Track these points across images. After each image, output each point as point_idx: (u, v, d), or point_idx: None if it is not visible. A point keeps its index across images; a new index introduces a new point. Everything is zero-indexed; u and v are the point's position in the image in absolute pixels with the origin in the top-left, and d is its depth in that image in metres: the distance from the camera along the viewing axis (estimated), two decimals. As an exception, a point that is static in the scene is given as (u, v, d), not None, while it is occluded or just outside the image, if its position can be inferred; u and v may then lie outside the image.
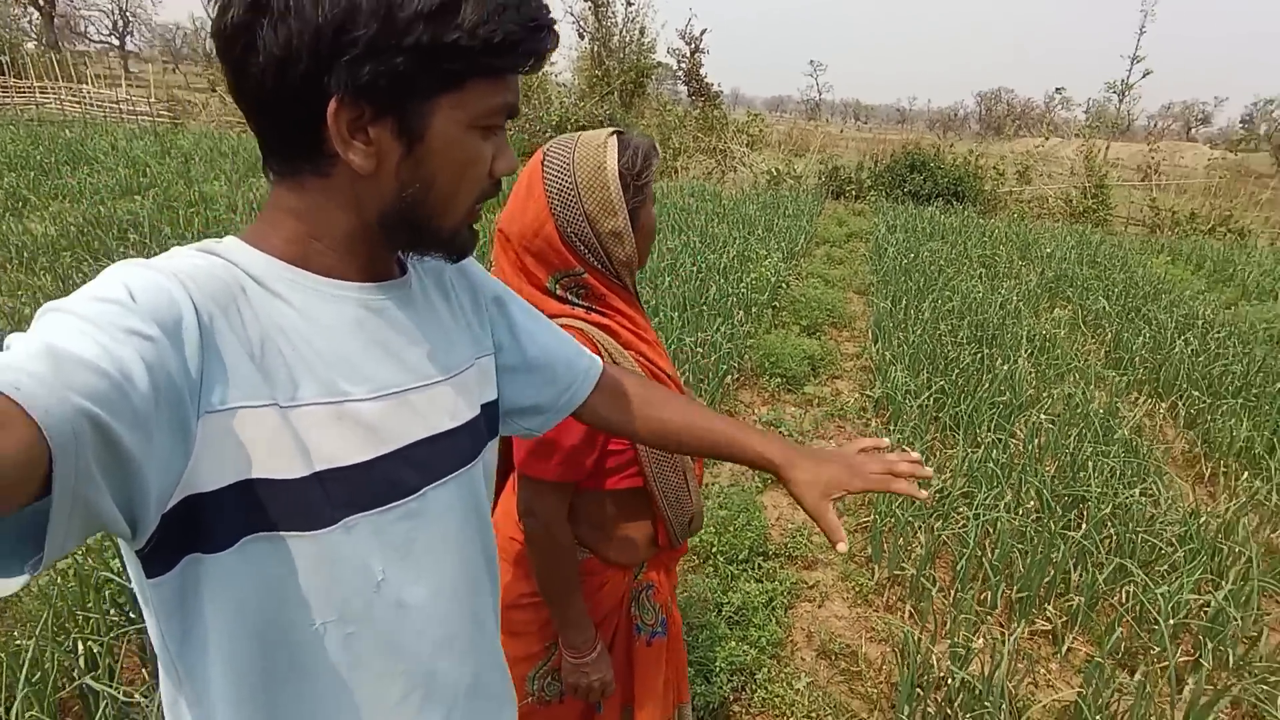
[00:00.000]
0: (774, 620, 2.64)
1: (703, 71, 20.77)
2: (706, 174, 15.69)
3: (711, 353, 4.48)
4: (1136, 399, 4.89)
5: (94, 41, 47.08)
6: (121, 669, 1.93)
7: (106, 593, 2.14)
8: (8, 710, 1.76)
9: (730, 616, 2.62)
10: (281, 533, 0.61)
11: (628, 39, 22.23)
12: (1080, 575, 2.82)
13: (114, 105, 17.73)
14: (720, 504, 3.20)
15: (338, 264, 0.68)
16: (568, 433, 1.13)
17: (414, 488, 0.71)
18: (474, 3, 0.58)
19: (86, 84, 18.71)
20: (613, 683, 1.26)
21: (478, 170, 0.67)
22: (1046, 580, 2.79)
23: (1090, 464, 3.46)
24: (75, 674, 1.90)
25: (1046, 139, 19.22)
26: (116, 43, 48.16)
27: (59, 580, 2.13)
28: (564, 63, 23.84)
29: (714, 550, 2.96)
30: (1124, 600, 2.77)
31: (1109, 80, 41.43)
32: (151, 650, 1.91)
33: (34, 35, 31.14)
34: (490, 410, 0.85)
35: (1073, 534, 2.92)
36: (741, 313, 5.36)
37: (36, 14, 30.07)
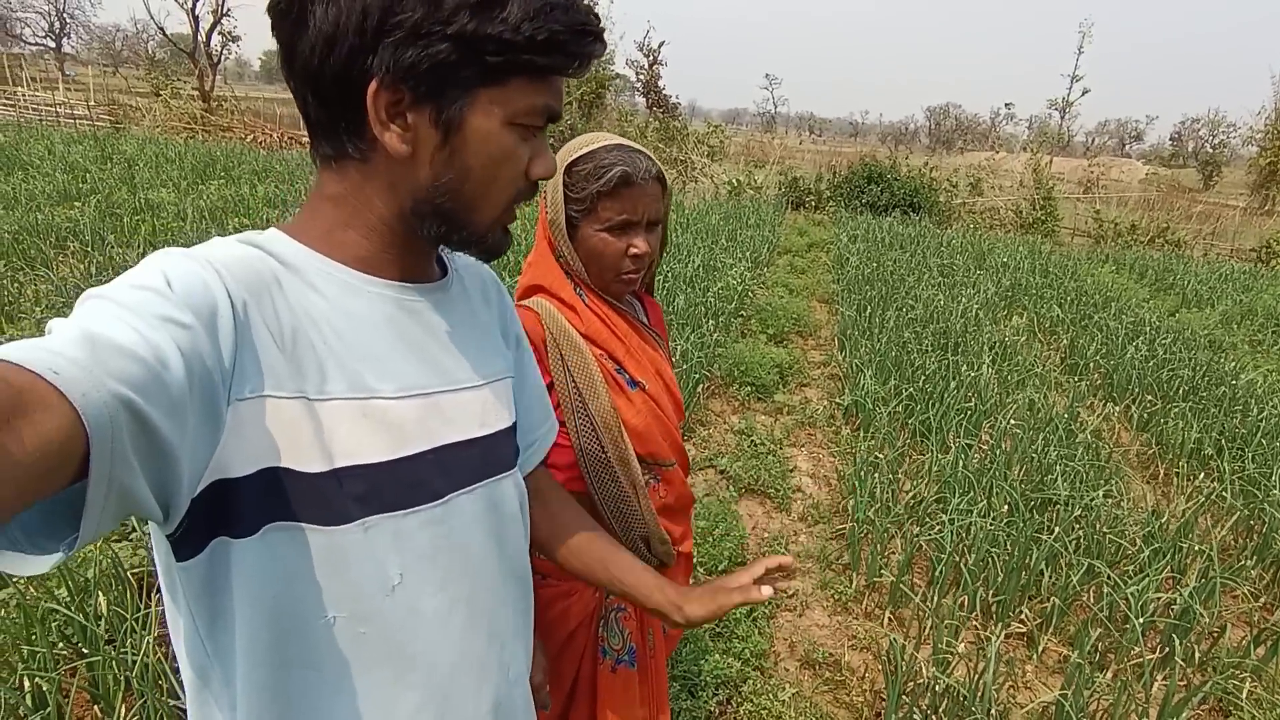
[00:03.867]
0: (756, 631, 2.61)
1: (661, 83, 20.91)
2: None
3: (683, 362, 4.46)
4: (1093, 403, 5.02)
5: (29, 44, 45.23)
6: (72, 706, 1.80)
7: (52, 624, 1.99)
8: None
9: (712, 629, 2.58)
10: (300, 524, 0.61)
11: (586, 50, 22.25)
12: (1052, 577, 2.86)
13: (50, 109, 17.01)
14: (697, 514, 3.17)
15: (373, 257, 0.68)
16: None
17: (438, 493, 0.69)
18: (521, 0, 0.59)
19: (21, 87, 17.91)
20: (544, 689, 1.22)
21: (512, 168, 0.67)
22: (1021, 583, 2.82)
23: (1057, 468, 3.53)
24: (21, 712, 1.77)
25: (996, 152, 19.85)
26: (53, 45, 46.34)
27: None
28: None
29: (694, 561, 2.91)
30: (1094, 600, 2.81)
31: (1050, 98, 43.10)
32: (116, 680, 1.79)
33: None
34: (515, 432, 0.83)
35: (1045, 537, 2.96)
36: (710, 322, 5.36)
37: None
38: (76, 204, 7.87)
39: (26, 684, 1.80)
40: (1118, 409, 4.92)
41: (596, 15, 0.65)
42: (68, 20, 46.61)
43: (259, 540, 0.59)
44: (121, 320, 0.48)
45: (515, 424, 0.83)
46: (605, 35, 0.67)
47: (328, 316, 0.64)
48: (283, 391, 0.59)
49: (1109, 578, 2.77)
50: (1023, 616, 2.76)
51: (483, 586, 0.75)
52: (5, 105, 17.07)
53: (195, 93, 19.71)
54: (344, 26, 0.58)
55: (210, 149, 13.57)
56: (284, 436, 0.59)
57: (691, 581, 2.64)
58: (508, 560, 0.80)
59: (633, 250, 1.19)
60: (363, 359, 0.65)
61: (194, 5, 22.79)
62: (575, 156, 1.19)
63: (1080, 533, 3.08)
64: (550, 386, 1.20)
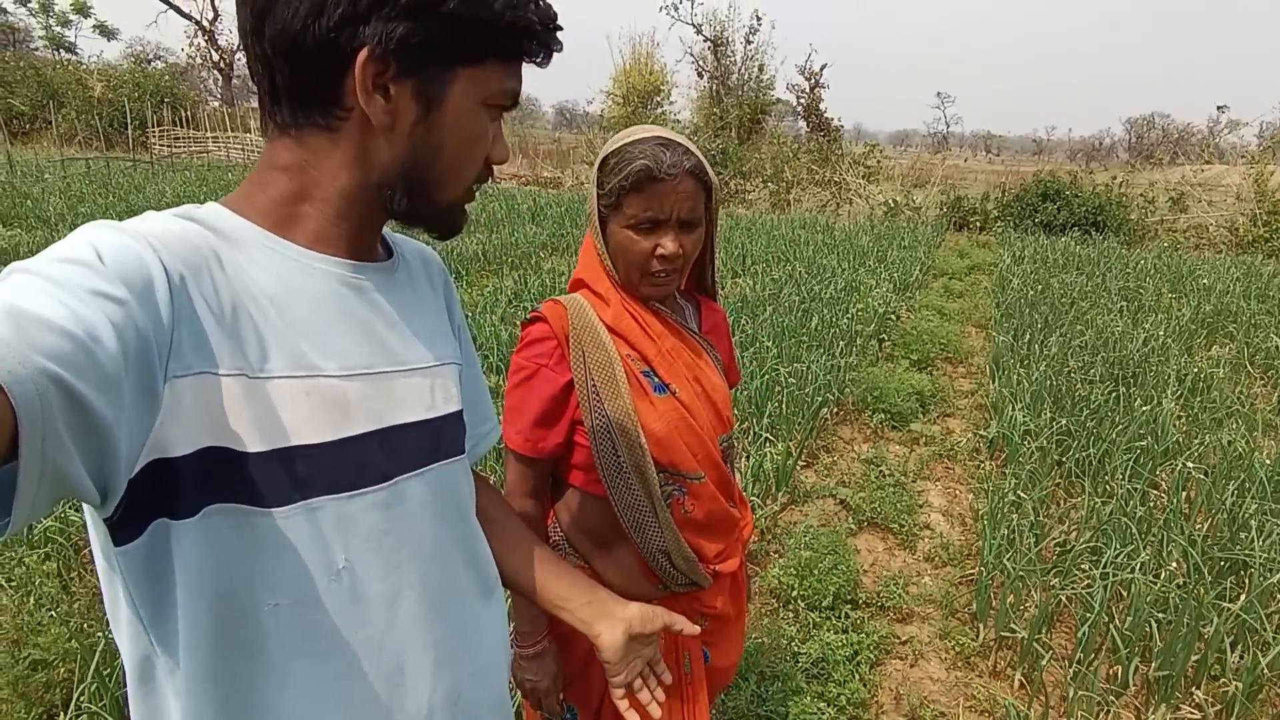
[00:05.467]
0: (857, 677, 2.36)
1: (822, 106, 20.51)
2: (820, 206, 15.33)
3: (807, 384, 4.23)
4: (1318, 451, 4.17)
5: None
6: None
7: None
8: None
9: (807, 669, 2.38)
10: (240, 505, 0.59)
11: (746, 77, 22.36)
12: (1240, 656, 2.36)
13: (272, 151, 19.71)
14: (805, 544, 2.95)
15: (323, 232, 0.67)
16: (527, 406, 1.13)
17: (385, 475, 0.68)
18: None
19: (250, 134, 20.90)
20: (550, 695, 1.18)
21: (481, 148, 0.69)
22: (1196, 659, 2.35)
23: (1254, 523, 2.93)
24: None
25: (1208, 164, 17.44)
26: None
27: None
28: (682, 101, 24.28)
29: (794, 594, 2.71)
30: (1297, 690, 2.28)
31: (1284, 100, 37.16)
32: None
33: (217, 95, 35.33)
34: (462, 418, 0.81)
35: (1229, 605, 2.46)
36: (844, 344, 5.07)
37: (219, 76, 34.12)
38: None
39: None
40: (1352, 460, 4.05)
41: (555, 12, 0.70)
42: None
43: (199, 522, 0.58)
44: (49, 295, 0.46)
45: (462, 411, 0.80)
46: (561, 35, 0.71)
47: (269, 292, 0.62)
48: (222, 368, 0.58)
49: (1318, 663, 2.24)
50: (1196, 700, 2.30)
51: (435, 573, 0.73)
52: (237, 149, 20.03)
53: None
54: None
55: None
56: (224, 414, 0.58)
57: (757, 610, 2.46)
58: (463, 546, 0.78)
59: (660, 250, 1.11)
60: (305, 336, 0.63)
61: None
62: (608, 150, 1.14)
63: (1281, 605, 2.53)
64: (569, 384, 1.15)
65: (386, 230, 0.77)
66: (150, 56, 37.52)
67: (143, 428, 0.53)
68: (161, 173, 15.00)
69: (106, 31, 41.54)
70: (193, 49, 32.35)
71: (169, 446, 0.55)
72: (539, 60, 0.69)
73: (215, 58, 32.63)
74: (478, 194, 0.75)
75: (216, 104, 30.44)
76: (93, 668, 1.93)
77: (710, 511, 1.21)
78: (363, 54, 0.59)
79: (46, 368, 0.41)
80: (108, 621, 2.06)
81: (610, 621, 0.90)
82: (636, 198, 1.09)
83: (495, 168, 0.74)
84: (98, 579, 2.34)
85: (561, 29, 0.69)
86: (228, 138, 20.46)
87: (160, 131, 20.52)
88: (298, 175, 0.65)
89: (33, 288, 0.46)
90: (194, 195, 11.16)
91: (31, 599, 2.25)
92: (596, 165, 1.15)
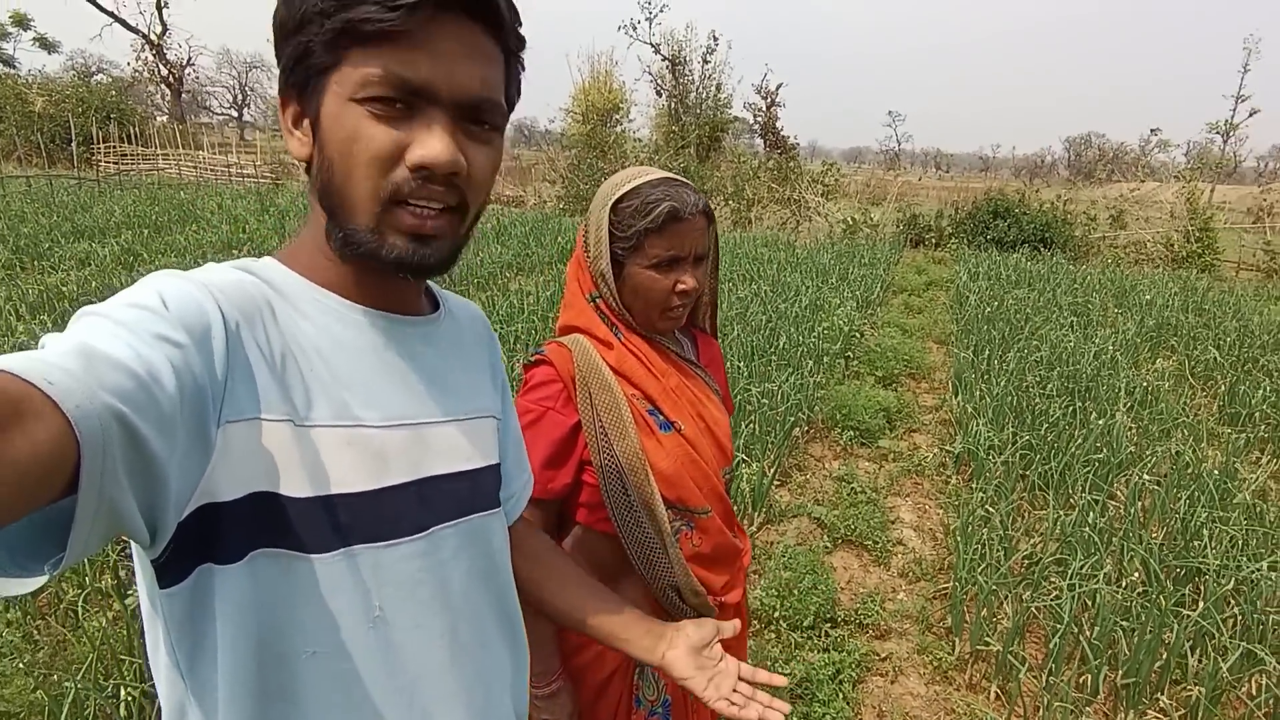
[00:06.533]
0: (840, 696, 2.41)
1: (779, 124, 20.91)
2: (781, 224, 15.59)
3: (780, 404, 4.30)
4: (1259, 459, 4.40)
5: (216, 114, 51.69)
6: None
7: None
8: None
9: (792, 689, 2.41)
10: (285, 551, 0.60)
11: (704, 95, 22.69)
12: (1200, 661, 2.47)
13: (224, 169, 19.26)
14: (784, 564, 3.00)
15: (347, 282, 0.68)
16: (535, 448, 1.13)
17: (421, 525, 0.68)
18: None
19: (203, 151, 20.40)
20: None
21: (365, 149, 0.59)
22: (1159, 665, 2.45)
23: (1206, 532, 3.08)
24: None
25: (1143, 182, 18.27)
26: (236, 115, 52.72)
27: (108, 625, 2.15)
28: (641, 119, 24.51)
29: (776, 615, 2.75)
30: (1254, 692, 2.40)
31: (1210, 121, 39.24)
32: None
33: (165, 110, 34.41)
34: (499, 471, 0.82)
35: (1188, 612, 2.58)
36: (812, 362, 5.17)
37: (168, 91, 33.24)
38: (235, 251, 8.78)
39: (123, 694, 1.93)
40: (1290, 467, 4.27)
41: None
42: (248, 92, 52.99)
43: (244, 567, 0.59)
44: (116, 336, 0.48)
45: (500, 464, 0.81)
46: None
47: (315, 343, 0.64)
48: (272, 414, 0.59)
49: (1274, 667, 2.36)
50: (1161, 705, 2.40)
51: (465, 623, 0.74)
52: (189, 167, 19.51)
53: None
54: (279, 56, 0.63)
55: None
56: (274, 460, 0.59)
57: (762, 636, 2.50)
58: (493, 598, 0.78)
59: (680, 287, 1.16)
60: (348, 386, 0.65)
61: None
62: (620, 193, 1.17)
63: (1236, 610, 2.66)
64: (577, 426, 1.17)
65: (433, 284, 0.79)
66: (93, 69, 36.45)
67: (195, 470, 0.54)
68: (109, 191, 14.54)
69: (47, 44, 40.17)
70: (139, 63, 31.49)
71: (218, 491, 0.56)
72: (397, 23, 0.56)
73: (164, 72, 31.81)
74: (421, 215, 0.62)
75: (164, 119, 29.65)
76: (62, 718, 1.86)
77: (717, 544, 1.24)
78: (279, 99, 0.63)
79: (111, 404, 0.43)
80: (75, 670, 2.01)
81: (667, 643, 0.92)
82: (659, 238, 1.13)
83: (420, 170, 0.61)
84: (65, 628, 2.28)
85: None
86: (179, 154, 19.93)
87: (107, 148, 19.90)
88: (312, 225, 0.68)
89: (102, 329, 0.49)
90: (145, 215, 10.85)
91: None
92: (607, 208, 1.16)
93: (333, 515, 0.62)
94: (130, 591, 2.32)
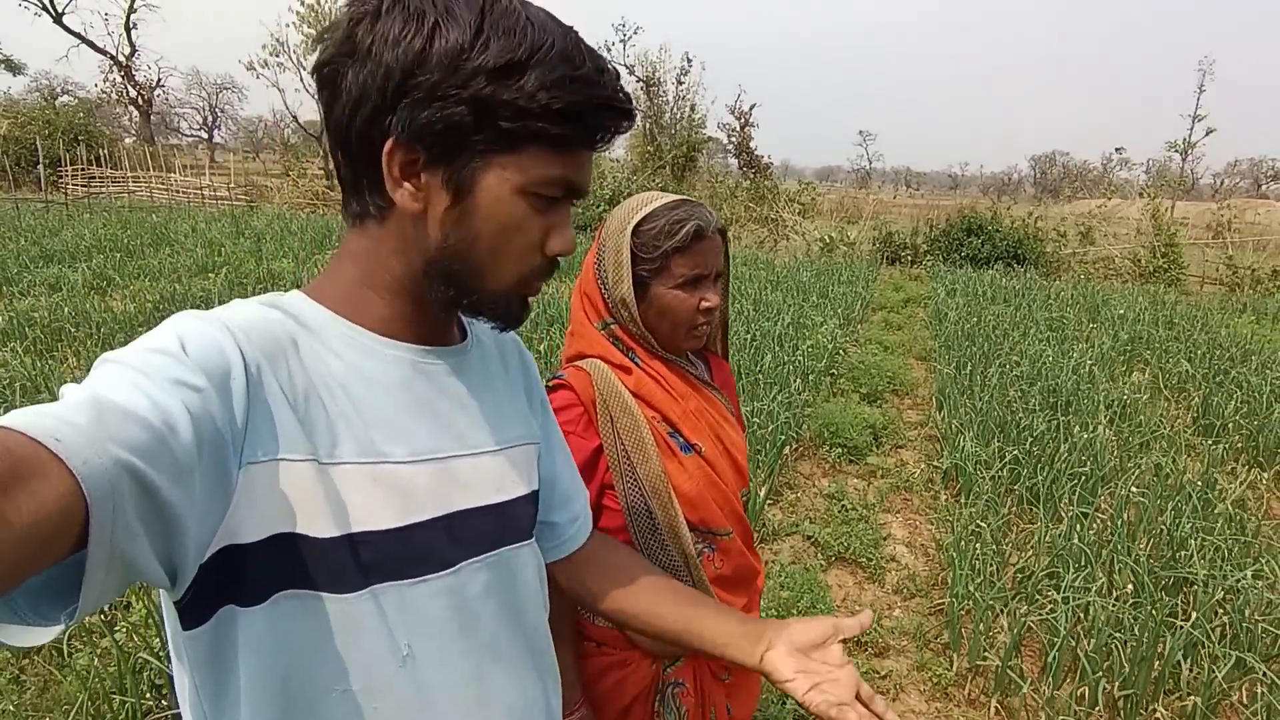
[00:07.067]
0: (844, 716, 2.40)
1: (753, 144, 21.20)
2: (759, 243, 15.76)
3: (769, 423, 4.33)
4: (1234, 469, 4.50)
5: (185, 135, 51.11)
6: (153, 756, 1.85)
7: (146, 675, 2.08)
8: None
9: (795, 710, 2.40)
10: (310, 592, 0.59)
11: (679, 116, 22.98)
12: (1193, 670, 2.51)
13: (197, 191, 19.03)
14: (781, 584, 3.00)
15: (391, 318, 0.68)
16: None
17: (448, 562, 0.67)
18: (541, 69, 0.59)
19: (174, 173, 20.15)
20: None
21: (524, 239, 0.65)
22: (1154, 676, 2.48)
23: (1191, 542, 3.14)
24: (107, 761, 1.83)
25: (1108, 199, 18.78)
26: (206, 136, 52.20)
27: (97, 662, 2.09)
28: (617, 140, 24.68)
29: (775, 634, 2.75)
30: (1247, 700, 2.44)
31: (1169, 140, 40.49)
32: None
33: (133, 131, 34.01)
34: (535, 500, 0.80)
35: (1180, 622, 2.62)
36: (798, 381, 5.21)
37: (136, 112, 32.87)
38: (211, 275, 8.65)
39: (115, 733, 1.87)
40: (1266, 475, 4.38)
41: (625, 92, 0.65)
42: (219, 114, 52.53)
43: (268, 609, 0.58)
44: (132, 384, 0.48)
45: (536, 492, 0.80)
46: (633, 113, 0.65)
47: (341, 379, 0.63)
48: (295, 454, 0.58)
49: (1264, 674, 2.40)
50: (1156, 715, 2.43)
51: (495, 660, 0.72)
52: (161, 189, 19.25)
53: (321, 171, 21.59)
54: (369, 88, 0.59)
55: (328, 221, 14.70)
56: (296, 501, 0.58)
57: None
58: (523, 633, 0.77)
59: (704, 304, 1.18)
60: (374, 423, 0.64)
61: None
62: (640, 216, 1.17)
63: (1225, 619, 2.71)
64: (599, 449, 1.16)
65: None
66: (59, 91, 35.90)
67: (215, 514, 0.54)
68: (78, 214, 14.27)
69: (12, 66, 39.50)
70: (107, 84, 31.09)
71: (240, 533, 0.55)
72: (595, 145, 0.65)
73: (133, 93, 31.43)
74: (539, 288, 0.71)
75: (133, 141, 29.26)
76: (55, 761, 1.80)
77: (737, 566, 1.24)
78: (389, 144, 0.60)
79: (121, 457, 0.43)
80: (65, 710, 1.94)
81: (765, 643, 0.82)
82: (684, 257, 1.15)
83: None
84: (51, 666, 2.20)
85: (625, 108, 0.64)
86: (150, 177, 19.65)
87: (75, 170, 19.56)
88: (362, 263, 0.67)
89: (117, 377, 0.49)
90: (117, 238, 10.66)
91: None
92: (627, 234, 1.16)
93: (357, 554, 0.61)
94: (118, 628, 2.26)
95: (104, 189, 19.14)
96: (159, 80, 33.68)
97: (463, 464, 0.70)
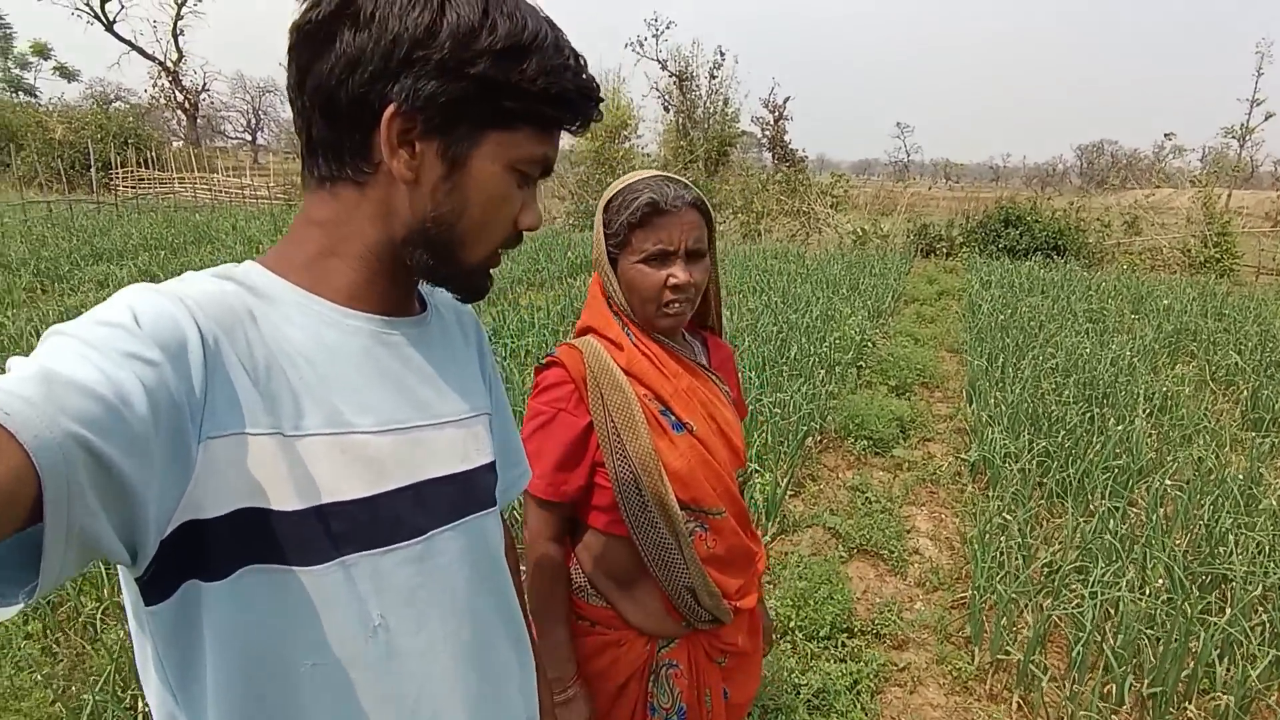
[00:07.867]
0: (859, 707, 2.37)
1: (787, 138, 20.99)
2: (790, 236, 15.61)
3: (791, 413, 4.28)
4: (1283, 464, 4.32)
5: (230, 138, 52.57)
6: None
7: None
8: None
9: (809, 700, 2.38)
10: (277, 565, 0.59)
11: (712, 110, 22.82)
12: (1228, 669, 2.41)
13: (239, 191, 19.56)
14: (799, 574, 2.97)
15: (355, 288, 0.67)
16: (547, 450, 1.14)
17: (419, 529, 0.68)
18: (541, 54, 0.63)
19: (218, 174, 20.72)
20: None
21: (506, 211, 0.69)
22: (1185, 674, 2.40)
23: (1231, 538, 3.02)
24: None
25: (1157, 188, 18.15)
26: (250, 138, 53.59)
27: (124, 636, 2.16)
28: (650, 135, 24.65)
29: (792, 625, 2.72)
30: (1284, 701, 2.34)
31: (1225, 125, 38.90)
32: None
33: (181, 135, 35.07)
34: (494, 469, 0.81)
35: (1215, 619, 2.52)
36: (823, 372, 5.14)
37: (184, 116, 33.89)
38: (250, 271, 8.87)
39: (139, 704, 1.93)
40: (1316, 472, 4.19)
41: (597, 83, 0.70)
42: (262, 116, 53.89)
43: (232, 583, 0.57)
44: (83, 357, 0.47)
45: (494, 461, 0.80)
46: (602, 105, 0.72)
47: (303, 350, 0.63)
48: (257, 428, 0.58)
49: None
50: (1189, 715, 2.34)
51: (469, 625, 0.73)
52: (204, 190, 19.83)
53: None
54: (370, 52, 0.60)
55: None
56: (259, 475, 0.58)
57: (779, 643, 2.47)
58: (495, 598, 0.77)
59: (671, 280, 1.15)
60: (339, 393, 0.64)
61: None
62: (612, 193, 1.19)
63: (1265, 617, 2.60)
64: (589, 427, 1.16)
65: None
66: (111, 97, 37.18)
67: (175, 489, 0.53)
68: (127, 215, 14.78)
69: (67, 73, 41.15)
70: (156, 90, 32.11)
71: (203, 507, 0.55)
72: (574, 129, 0.69)
73: (180, 98, 32.41)
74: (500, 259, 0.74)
75: (180, 144, 30.16)
76: (81, 731, 1.87)
77: (731, 546, 1.23)
78: (390, 109, 0.60)
79: (73, 430, 0.42)
80: (93, 683, 2.01)
81: None
82: (644, 232, 1.14)
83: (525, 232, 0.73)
84: (83, 640, 2.29)
85: (601, 100, 0.70)
86: (194, 178, 20.25)
87: (125, 173, 20.25)
88: (330, 230, 0.66)
89: (68, 350, 0.47)
90: (162, 237, 11.02)
91: (12, 663, 2.17)
92: (601, 209, 1.19)
93: (325, 526, 0.61)
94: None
95: (151, 190, 19.79)
96: (204, 84, 34.68)
97: (428, 433, 0.70)
